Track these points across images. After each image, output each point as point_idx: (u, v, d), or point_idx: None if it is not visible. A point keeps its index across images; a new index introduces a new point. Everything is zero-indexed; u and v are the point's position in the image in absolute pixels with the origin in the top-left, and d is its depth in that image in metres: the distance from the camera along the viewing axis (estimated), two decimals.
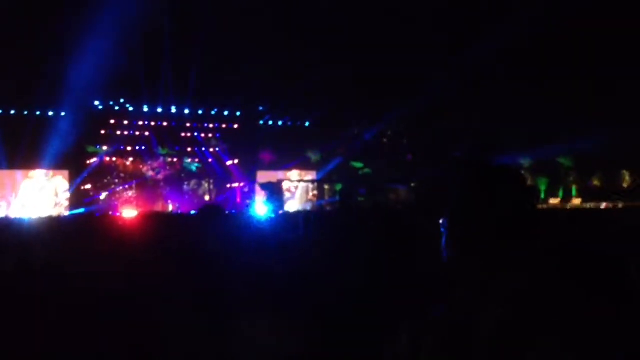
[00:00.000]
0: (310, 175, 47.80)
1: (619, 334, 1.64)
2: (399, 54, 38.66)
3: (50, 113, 42.41)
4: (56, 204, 41.50)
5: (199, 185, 46.39)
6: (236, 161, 47.70)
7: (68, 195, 42.22)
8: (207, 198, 44.78)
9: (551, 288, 1.82)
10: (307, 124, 50.19)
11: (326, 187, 46.17)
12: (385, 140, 48.64)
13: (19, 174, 41.23)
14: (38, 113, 42.59)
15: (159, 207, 42.47)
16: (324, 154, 47.23)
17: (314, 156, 47.01)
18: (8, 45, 34.92)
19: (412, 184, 39.51)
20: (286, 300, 5.31)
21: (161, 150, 44.81)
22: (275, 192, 42.21)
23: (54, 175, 41.94)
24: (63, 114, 41.93)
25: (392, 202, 36.77)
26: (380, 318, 4.02)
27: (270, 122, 49.48)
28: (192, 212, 28.26)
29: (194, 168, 46.34)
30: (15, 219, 26.65)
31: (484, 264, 1.89)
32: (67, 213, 39.17)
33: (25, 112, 42.13)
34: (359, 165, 46.57)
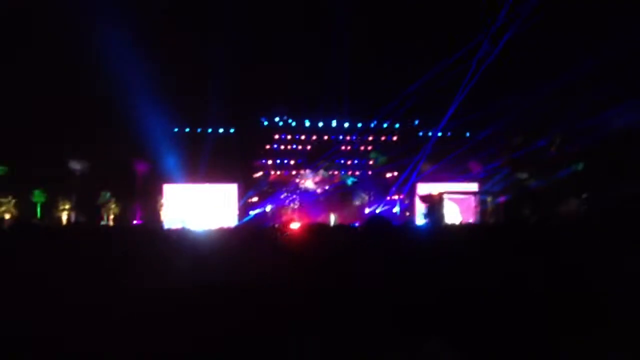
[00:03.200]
0: (473, 188, 46.04)
1: None
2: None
3: (221, 130, 45.51)
4: (227, 216, 43.99)
5: (360, 197, 46.72)
6: (396, 173, 47.40)
7: (237, 207, 44.61)
8: (367, 210, 44.91)
9: None
10: (467, 134, 48.61)
11: (489, 199, 44.11)
12: (553, 149, 45.36)
13: (193, 187, 44.32)
14: (210, 131, 45.85)
15: (320, 218, 43.34)
16: (487, 165, 45.26)
17: (475, 168, 45.23)
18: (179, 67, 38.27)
19: (585, 196, 36.45)
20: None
21: (321, 164, 45.88)
22: (435, 204, 41.18)
23: (224, 189, 44.56)
24: (232, 130, 44.84)
25: (562, 217, 34.11)
26: None
27: (430, 134, 48.62)
28: (355, 224, 28.35)
29: (353, 180, 46.81)
30: (193, 230, 28.45)
31: None
32: (236, 223, 41.45)
33: (199, 130, 45.56)
34: (524, 175, 43.90)
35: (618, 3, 34.29)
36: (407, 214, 43.57)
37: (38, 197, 42.87)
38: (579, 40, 35.15)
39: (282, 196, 45.90)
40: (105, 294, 6.22)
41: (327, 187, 44.96)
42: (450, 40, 38.18)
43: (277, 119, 46.91)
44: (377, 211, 43.60)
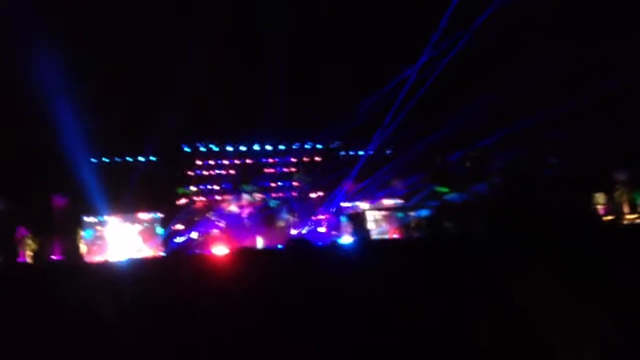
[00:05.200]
0: (398, 203, 47.32)
1: None
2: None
3: (141, 159, 44.67)
4: (150, 245, 43.15)
5: (284, 219, 46.94)
6: (320, 193, 48.00)
7: (162, 236, 43.85)
8: (293, 232, 45.18)
9: None
10: (388, 152, 49.94)
11: (412, 214, 45.43)
12: (468, 164, 47.45)
13: (115, 218, 43.24)
14: (130, 160, 44.94)
15: (247, 242, 43.24)
16: (409, 182, 46.67)
17: (398, 184, 46.55)
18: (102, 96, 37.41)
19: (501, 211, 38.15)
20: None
21: (246, 187, 45.91)
22: (360, 222, 42.02)
23: (147, 219, 43.75)
24: (153, 159, 44.08)
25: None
26: None
27: (352, 153, 49.64)
28: (279, 246, 28.54)
29: (277, 203, 47.06)
30: (119, 261, 27.82)
31: None
32: (162, 253, 40.73)
33: (118, 159, 44.55)
34: (444, 190, 45.58)
35: (536, 27, 36.44)
36: (334, 232, 44.15)
37: None
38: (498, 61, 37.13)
39: (207, 222, 45.47)
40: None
41: (251, 211, 44.94)
42: (376, 65, 39.23)
43: (198, 145, 46.59)
44: (304, 232, 43.99)
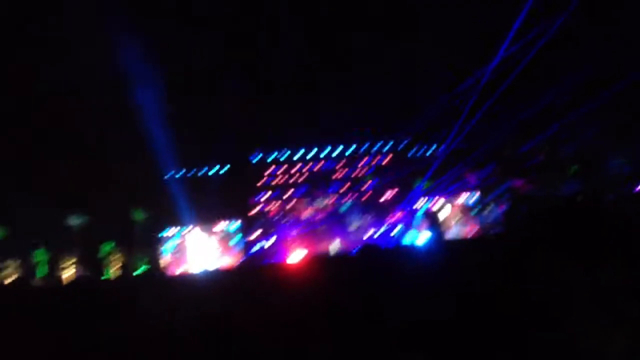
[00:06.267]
0: (472, 199, 46.25)
1: None
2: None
3: (213, 171, 45.82)
4: (228, 254, 44.04)
5: (356, 222, 46.77)
6: (393, 193, 47.59)
7: (240, 245, 44.71)
8: (368, 233, 44.94)
9: None
10: (460, 147, 48.85)
11: (488, 209, 44.27)
12: (542, 154, 45.70)
13: (193, 230, 44.41)
14: (204, 171, 46.14)
15: (323, 247, 43.37)
16: (483, 176, 45.47)
17: (471, 179, 45.45)
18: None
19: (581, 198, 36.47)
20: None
21: (317, 192, 46.18)
22: (435, 221, 41.32)
23: (224, 229, 44.74)
24: (224, 170, 45.19)
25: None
26: None
27: (422, 151, 48.91)
28: (353, 250, 28.41)
29: (349, 205, 46.96)
30: (199, 272, 28.49)
31: None
32: (240, 261, 41.54)
33: (191, 173, 45.80)
34: (518, 183, 44.11)
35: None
36: (408, 232, 43.60)
37: (40, 256, 42.90)
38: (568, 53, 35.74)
39: (282, 229, 45.96)
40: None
41: (325, 215, 45.09)
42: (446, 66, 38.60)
43: (269, 153, 47.29)
44: (378, 233, 43.70)
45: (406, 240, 40.62)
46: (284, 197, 47.48)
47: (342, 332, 5.91)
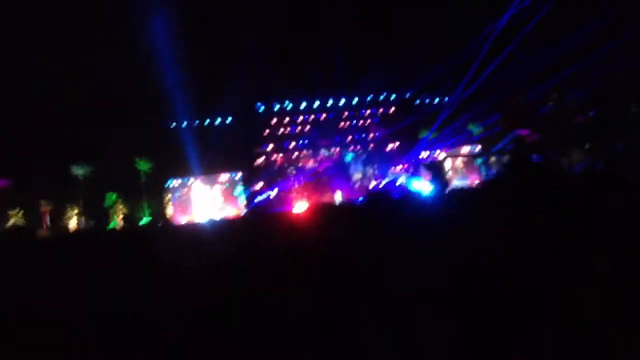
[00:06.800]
0: (475, 150, 46.07)
1: None
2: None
3: (218, 121, 45.53)
4: (232, 205, 44.21)
5: (362, 172, 46.75)
6: (397, 144, 47.39)
7: (244, 195, 44.84)
8: (373, 184, 44.98)
9: None
10: (465, 97, 48.38)
11: (492, 159, 44.09)
12: (551, 103, 45.07)
13: (198, 180, 44.45)
14: (208, 122, 45.87)
15: (326, 198, 43.45)
16: (487, 126, 45.12)
17: (475, 129, 45.10)
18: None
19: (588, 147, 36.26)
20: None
21: (322, 142, 46.00)
22: (439, 171, 41.19)
23: (228, 179, 44.78)
24: (229, 120, 44.89)
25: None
26: None
27: (427, 101, 48.49)
28: (360, 199, 28.39)
29: (353, 156, 46.84)
30: (204, 222, 28.58)
31: None
32: (244, 212, 41.68)
33: (196, 123, 45.53)
34: (524, 132, 43.70)
35: None
36: (413, 183, 43.59)
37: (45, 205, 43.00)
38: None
39: (286, 179, 46.01)
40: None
41: (329, 165, 45.03)
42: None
43: (274, 103, 46.87)
44: (382, 184, 43.68)
45: (411, 190, 40.59)
46: (289, 147, 47.35)
47: (351, 282, 5.79)
